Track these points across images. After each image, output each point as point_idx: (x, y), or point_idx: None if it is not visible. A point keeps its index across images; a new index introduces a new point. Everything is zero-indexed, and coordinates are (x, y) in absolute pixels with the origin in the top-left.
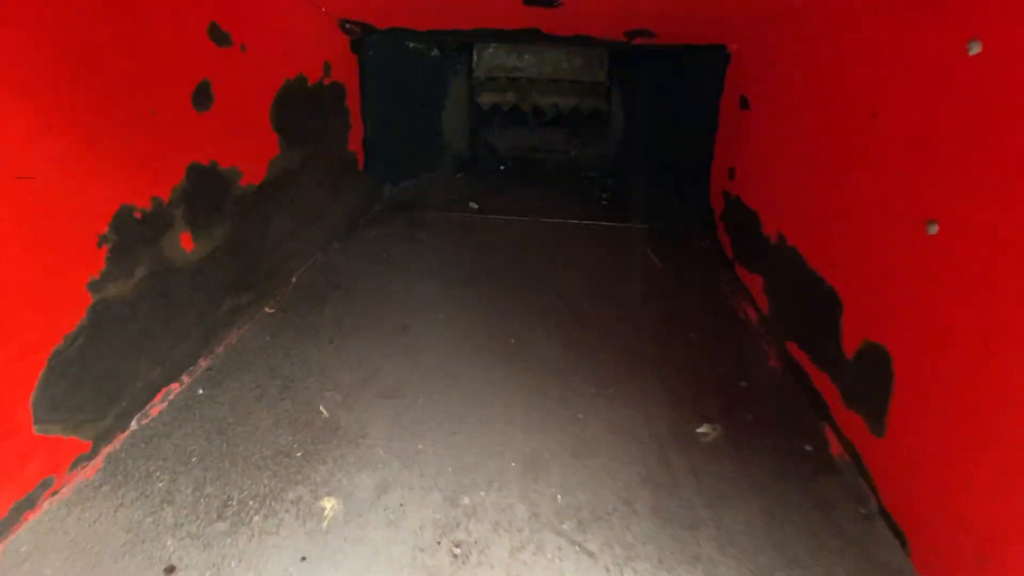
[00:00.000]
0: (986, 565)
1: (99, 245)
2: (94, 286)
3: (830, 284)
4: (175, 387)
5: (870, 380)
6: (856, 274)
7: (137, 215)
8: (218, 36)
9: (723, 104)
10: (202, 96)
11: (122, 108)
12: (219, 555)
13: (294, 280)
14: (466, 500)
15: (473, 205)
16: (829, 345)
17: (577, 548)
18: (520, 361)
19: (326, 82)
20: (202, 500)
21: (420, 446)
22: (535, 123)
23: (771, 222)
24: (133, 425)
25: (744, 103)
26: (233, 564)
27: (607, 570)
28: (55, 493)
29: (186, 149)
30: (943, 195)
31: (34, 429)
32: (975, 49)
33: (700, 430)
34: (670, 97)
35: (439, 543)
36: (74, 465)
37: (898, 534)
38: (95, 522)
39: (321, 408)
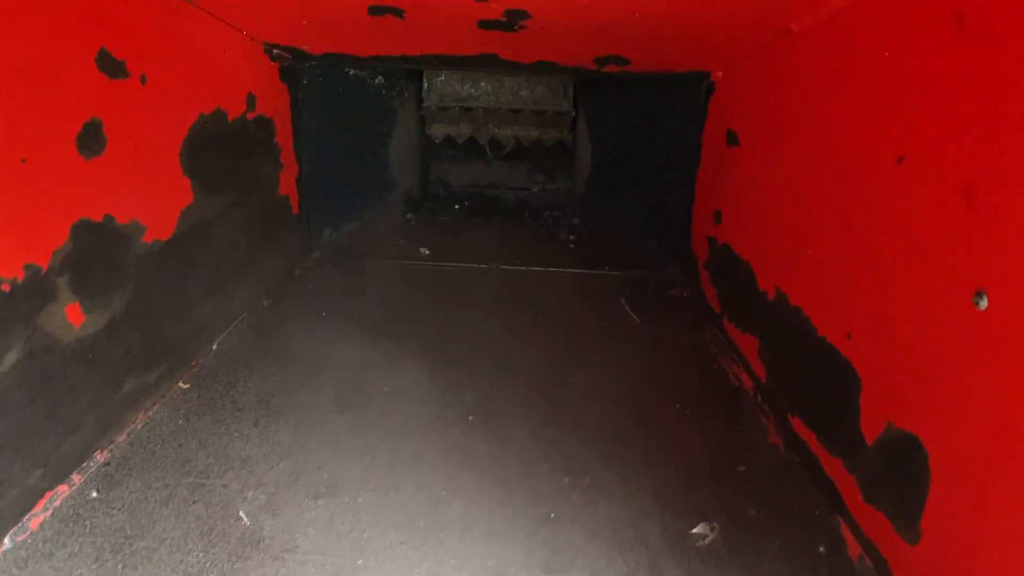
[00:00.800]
0: None
1: None
2: None
3: (845, 356)
4: (63, 490)
5: (897, 474)
6: (880, 347)
7: (5, 288)
8: (110, 66)
9: (706, 138)
10: (91, 139)
11: None
12: None
13: (215, 347)
14: None
15: (424, 251)
16: (844, 426)
17: None
18: (480, 444)
19: (250, 116)
20: None
21: (360, 561)
22: (493, 156)
23: (767, 276)
24: (6, 543)
25: (732, 138)
26: None
27: None
28: None
29: (70, 204)
30: (995, 262)
31: None
32: None
33: (696, 531)
34: (644, 129)
35: None
36: None
37: None
38: None
39: (241, 513)
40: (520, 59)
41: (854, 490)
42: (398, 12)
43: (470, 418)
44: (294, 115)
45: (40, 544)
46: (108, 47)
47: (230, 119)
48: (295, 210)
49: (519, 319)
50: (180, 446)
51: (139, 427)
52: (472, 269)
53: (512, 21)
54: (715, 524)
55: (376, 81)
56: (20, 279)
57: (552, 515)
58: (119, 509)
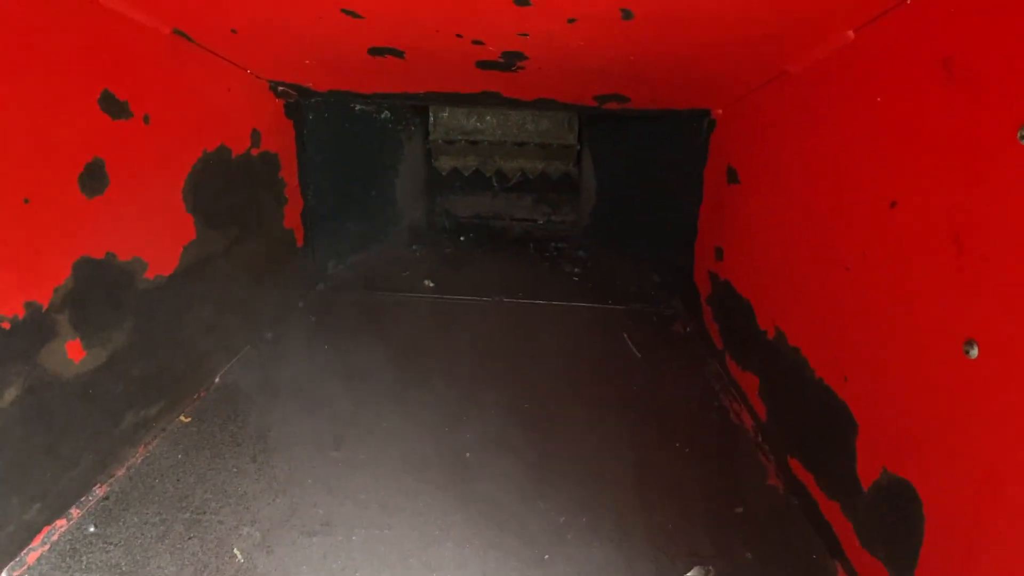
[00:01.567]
0: None
1: None
2: None
3: (842, 399)
4: (61, 524)
5: (892, 520)
6: (875, 392)
7: (5, 325)
8: (113, 107)
9: (708, 174)
10: (93, 178)
11: None
12: None
13: (217, 380)
14: None
15: (428, 283)
16: (840, 470)
17: None
18: (475, 483)
19: (255, 152)
20: None
21: None
22: (499, 188)
23: (767, 315)
24: None
25: (732, 175)
26: None
27: None
28: None
29: (72, 242)
30: (986, 311)
31: None
32: None
33: (690, 574)
34: (648, 163)
35: None
36: None
37: None
38: None
39: (235, 551)
40: (521, 96)
41: (851, 535)
42: (398, 53)
43: (467, 455)
44: (299, 150)
45: None
46: (111, 88)
47: (234, 155)
48: (300, 243)
49: (520, 354)
50: (178, 481)
51: (139, 461)
52: (475, 302)
53: (509, 62)
54: (710, 568)
55: (383, 115)
56: (21, 316)
57: (546, 556)
58: (115, 544)
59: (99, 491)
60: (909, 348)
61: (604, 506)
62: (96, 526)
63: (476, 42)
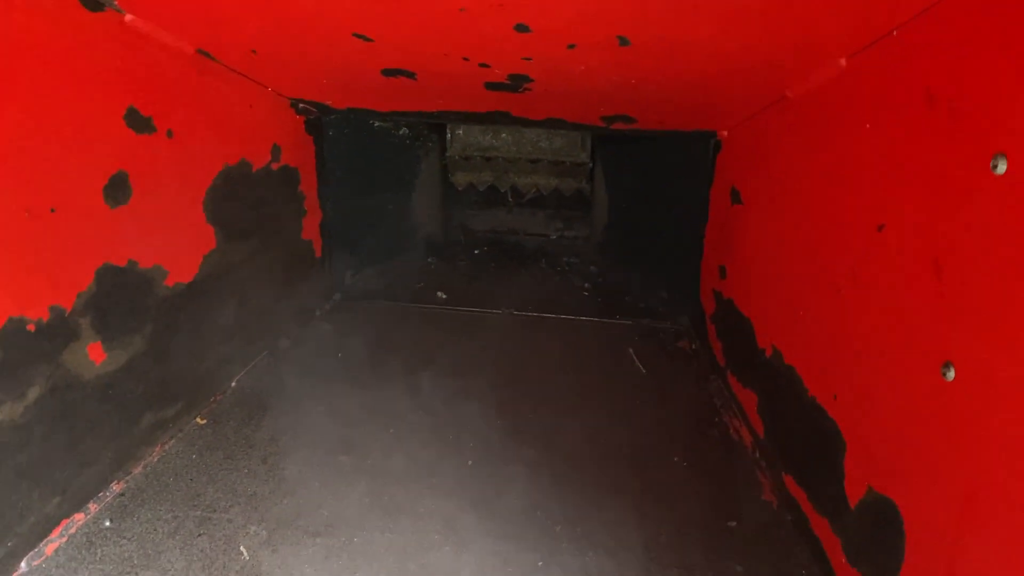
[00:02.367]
0: None
1: None
2: None
3: (832, 417)
4: (79, 518)
5: (876, 539)
6: (862, 411)
7: (30, 328)
8: (138, 122)
9: (713, 194)
10: (117, 190)
11: (10, 208)
12: None
13: (233, 384)
14: None
15: (441, 295)
16: (830, 487)
17: None
18: (476, 489)
19: (275, 167)
20: None
21: None
22: (514, 204)
23: (765, 334)
24: (22, 567)
25: (736, 196)
26: None
27: None
28: None
29: (95, 250)
30: (962, 334)
31: None
32: (1001, 168)
33: None
34: (658, 182)
35: None
36: None
37: None
38: None
39: (242, 548)
40: (531, 116)
41: (839, 552)
42: (410, 74)
43: (469, 463)
44: (319, 164)
45: (53, 569)
46: (136, 105)
47: (255, 169)
48: (318, 254)
49: (527, 366)
50: (192, 480)
51: (155, 460)
52: (486, 314)
53: (516, 84)
54: None
55: (401, 132)
56: (45, 319)
57: (540, 563)
58: (129, 539)
59: (116, 487)
60: (892, 369)
61: (600, 516)
62: (112, 520)
63: (483, 65)
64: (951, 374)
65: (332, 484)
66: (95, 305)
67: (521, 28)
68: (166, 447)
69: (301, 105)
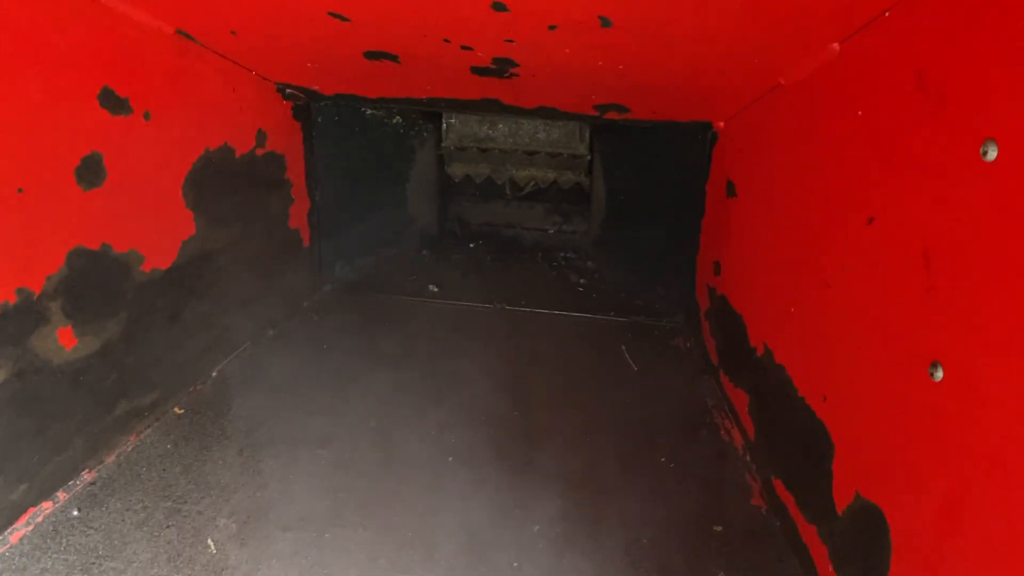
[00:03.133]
0: None
1: None
2: None
3: (820, 419)
4: (47, 506)
5: (862, 547)
6: (850, 413)
7: None
8: (112, 102)
9: (709, 187)
10: (90, 171)
11: None
12: None
13: (214, 374)
14: None
15: (433, 288)
16: (818, 492)
17: None
18: (454, 486)
19: (259, 152)
20: None
21: None
22: (512, 196)
23: (757, 332)
24: None
25: (731, 189)
26: None
27: None
28: None
29: (66, 232)
30: (951, 332)
31: None
32: (992, 154)
33: None
34: (656, 174)
35: None
36: None
37: None
38: None
39: (209, 541)
40: (522, 104)
41: (826, 560)
42: (393, 57)
43: (449, 459)
44: (307, 152)
45: (17, 558)
46: (112, 85)
47: (238, 155)
48: (306, 243)
49: (516, 362)
50: (164, 470)
51: (129, 449)
52: (477, 308)
53: (502, 68)
54: None
55: (394, 121)
56: (12, 302)
57: (515, 564)
58: (96, 529)
59: (87, 476)
60: (879, 368)
61: (582, 517)
62: (80, 510)
63: (465, 47)
64: (939, 374)
65: (307, 478)
66: (66, 289)
67: (499, 7)
68: (141, 436)
69: (288, 90)
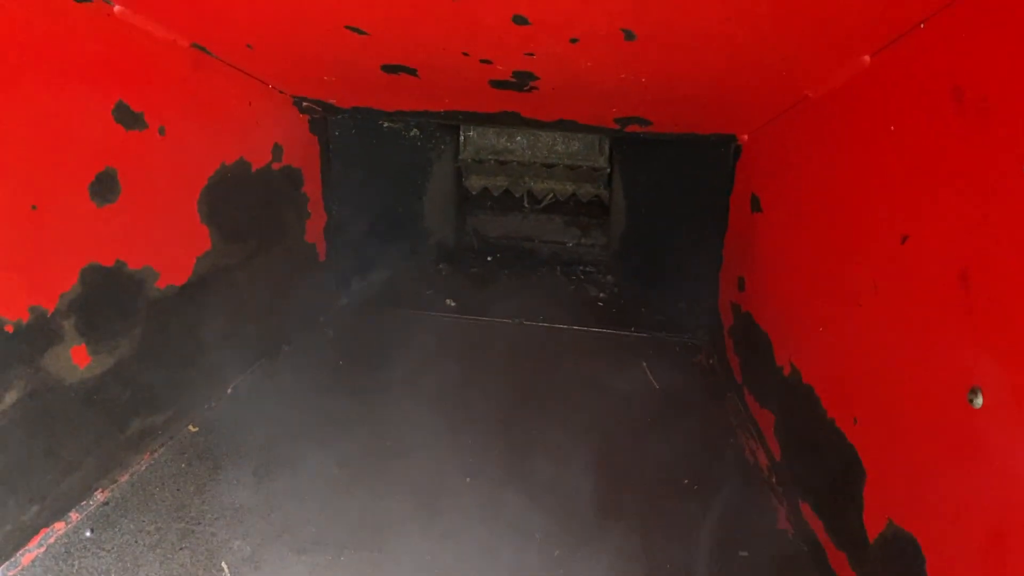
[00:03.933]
0: None
1: None
2: None
3: (851, 442)
4: (59, 527)
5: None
6: (884, 438)
7: (8, 329)
8: (127, 118)
9: (733, 201)
10: (104, 187)
11: None
12: None
13: (229, 391)
14: None
15: (450, 303)
16: (848, 519)
17: None
18: (474, 509)
19: (276, 167)
20: None
21: None
22: (530, 209)
23: (783, 351)
24: None
25: (755, 204)
26: None
27: None
28: None
29: (80, 249)
30: (991, 357)
31: None
32: None
33: None
34: (678, 188)
35: None
36: None
37: None
38: None
39: (223, 564)
40: (541, 117)
41: None
42: (411, 71)
43: (468, 480)
44: (323, 165)
45: None
46: (126, 100)
47: (254, 169)
48: (322, 257)
49: (534, 379)
50: (178, 490)
51: (143, 468)
52: (495, 323)
53: (522, 82)
54: None
55: (411, 133)
56: (25, 321)
57: None
58: (109, 551)
59: (100, 496)
60: (914, 393)
61: (603, 542)
62: (93, 531)
63: (484, 61)
64: (979, 400)
65: (323, 498)
66: (80, 306)
67: (520, 20)
68: (155, 455)
69: (305, 103)
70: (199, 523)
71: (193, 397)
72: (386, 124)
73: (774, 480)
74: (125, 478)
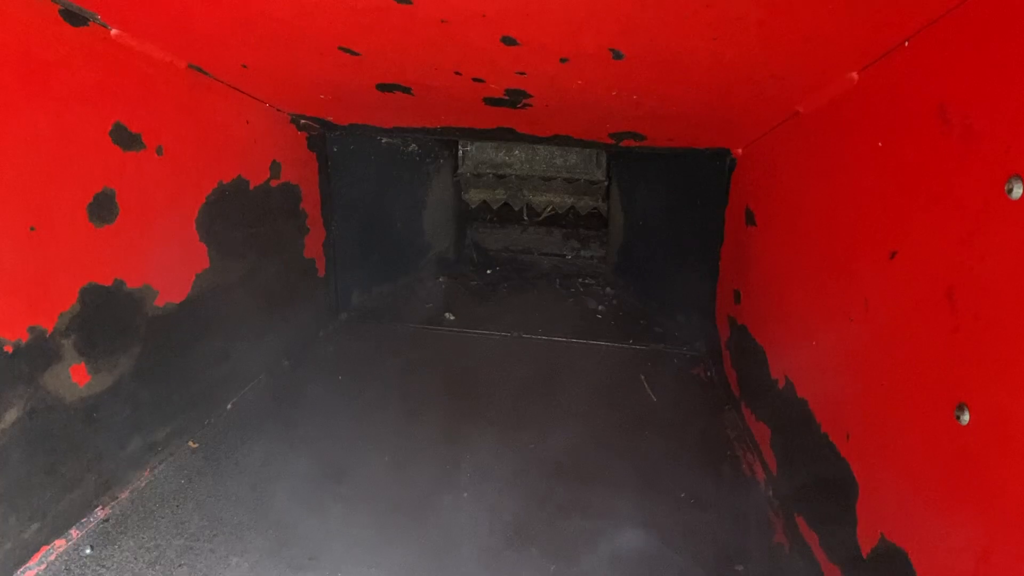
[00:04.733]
0: None
1: None
2: None
3: (844, 457)
4: (59, 544)
5: None
6: (875, 453)
7: (7, 349)
8: (124, 138)
9: (728, 215)
10: (102, 208)
11: None
12: None
13: (229, 407)
14: None
15: (449, 316)
16: (842, 533)
17: None
18: (468, 523)
19: (274, 184)
20: None
21: None
22: (529, 222)
23: (778, 364)
24: None
25: (750, 217)
26: None
27: None
28: None
29: (79, 269)
30: (978, 374)
31: None
32: (1017, 192)
33: None
34: (674, 201)
35: None
36: None
37: None
38: None
39: None
40: (537, 132)
41: None
42: (406, 89)
43: (464, 495)
44: (322, 181)
45: None
46: (124, 121)
47: (252, 187)
48: (321, 273)
49: (532, 393)
50: (178, 507)
51: (142, 485)
52: (493, 337)
53: (515, 99)
54: None
55: (410, 148)
56: (24, 340)
57: None
58: (108, 568)
59: (100, 513)
60: (903, 409)
61: (598, 556)
62: (92, 548)
63: (477, 79)
64: (965, 417)
65: (321, 514)
66: (79, 326)
67: (508, 41)
68: (155, 471)
69: (302, 121)
70: (198, 539)
71: (193, 414)
72: (384, 140)
73: (771, 493)
74: (125, 495)
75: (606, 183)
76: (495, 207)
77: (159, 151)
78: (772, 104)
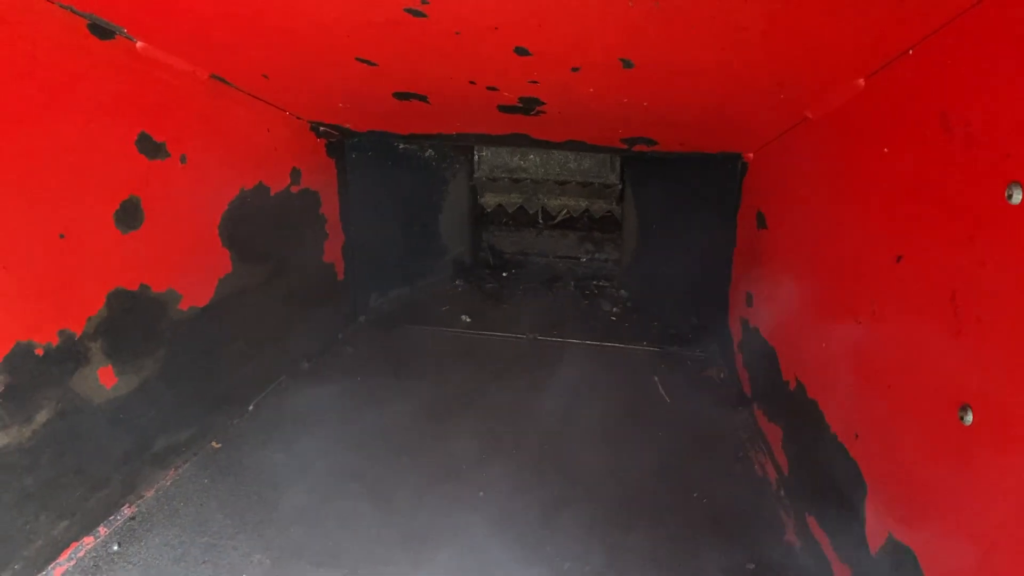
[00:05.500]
0: None
1: None
2: None
3: (853, 457)
4: (88, 541)
5: None
6: (882, 453)
7: (39, 352)
8: (149, 147)
9: (740, 218)
10: (128, 215)
11: (18, 234)
12: None
13: (251, 408)
14: None
15: (465, 319)
16: (852, 532)
17: None
18: (487, 524)
19: (294, 190)
20: None
21: None
22: (544, 225)
23: (789, 366)
24: None
25: (761, 220)
26: None
27: None
28: None
29: (106, 274)
30: (980, 376)
31: None
32: (1017, 198)
33: None
34: (688, 204)
35: None
36: None
37: None
38: None
39: None
40: (550, 138)
41: None
42: (422, 98)
43: (480, 495)
44: (341, 187)
45: None
46: (149, 130)
47: (273, 193)
48: (340, 276)
49: (547, 394)
50: (202, 505)
51: (168, 484)
52: (509, 339)
53: (529, 107)
54: None
55: (427, 154)
56: (54, 344)
57: None
58: (135, 564)
59: (127, 511)
60: (909, 409)
61: (612, 555)
62: (120, 545)
63: (491, 88)
64: (969, 418)
65: (341, 513)
66: (106, 329)
67: (521, 51)
68: (180, 471)
69: (322, 128)
70: (221, 537)
71: (216, 415)
72: (401, 145)
73: (782, 494)
74: (151, 493)
75: (620, 186)
76: (511, 211)
77: (183, 159)
78: (781, 110)
